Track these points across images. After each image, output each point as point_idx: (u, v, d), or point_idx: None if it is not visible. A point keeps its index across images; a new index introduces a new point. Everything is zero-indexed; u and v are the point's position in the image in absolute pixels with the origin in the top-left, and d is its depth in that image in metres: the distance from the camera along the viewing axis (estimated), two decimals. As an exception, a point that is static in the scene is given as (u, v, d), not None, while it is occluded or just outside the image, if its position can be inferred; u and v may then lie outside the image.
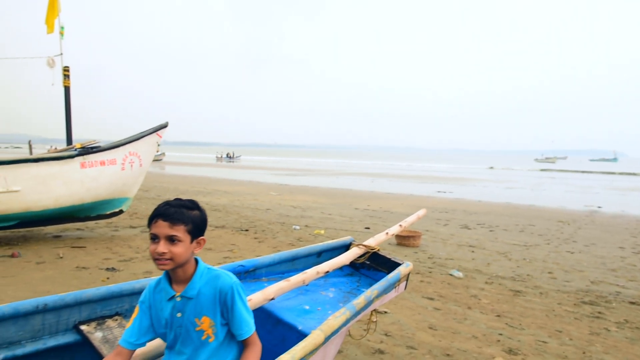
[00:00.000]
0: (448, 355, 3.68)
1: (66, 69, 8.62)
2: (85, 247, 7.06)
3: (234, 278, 1.74)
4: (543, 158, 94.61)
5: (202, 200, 14.08)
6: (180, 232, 1.63)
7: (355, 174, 34.82)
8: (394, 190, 20.83)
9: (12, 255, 6.33)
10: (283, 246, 7.65)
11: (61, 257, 6.34)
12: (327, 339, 2.05)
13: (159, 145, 8.70)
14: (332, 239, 3.79)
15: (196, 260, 1.77)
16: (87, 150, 7.51)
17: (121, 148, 7.94)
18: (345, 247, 3.31)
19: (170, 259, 1.63)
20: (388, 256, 3.07)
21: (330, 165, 53.18)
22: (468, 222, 11.52)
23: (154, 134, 8.45)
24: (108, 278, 5.46)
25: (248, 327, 1.75)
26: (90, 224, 9.07)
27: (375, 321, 3.11)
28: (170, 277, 1.77)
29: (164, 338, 1.82)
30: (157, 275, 1.83)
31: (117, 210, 8.36)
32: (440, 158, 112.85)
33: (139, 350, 1.88)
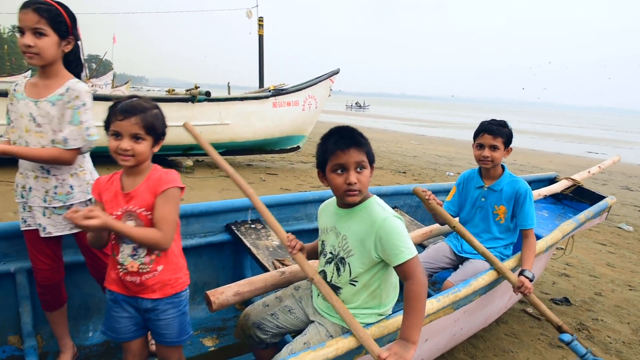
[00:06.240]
0: (630, 286, 4.12)
1: (261, 19, 9.86)
2: (277, 174, 8.48)
3: (527, 185, 2.49)
4: None
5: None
6: (498, 142, 2.44)
7: (491, 129, 33.43)
8: (538, 147, 19.93)
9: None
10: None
11: (264, 180, 7.77)
12: (563, 237, 2.73)
13: (331, 89, 9.71)
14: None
15: (502, 167, 2.55)
16: (278, 92, 8.79)
17: (303, 91, 9.10)
18: (550, 180, 3.89)
19: (491, 160, 2.45)
20: (592, 189, 3.58)
21: (461, 118, 51.31)
22: (629, 184, 11.03)
23: (328, 80, 9.47)
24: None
25: (531, 221, 2.44)
26: (268, 157, 10.58)
27: (571, 247, 3.66)
28: (482, 173, 2.58)
29: (463, 214, 2.65)
30: None
31: (295, 146, 9.68)
32: (585, 118, 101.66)
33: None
